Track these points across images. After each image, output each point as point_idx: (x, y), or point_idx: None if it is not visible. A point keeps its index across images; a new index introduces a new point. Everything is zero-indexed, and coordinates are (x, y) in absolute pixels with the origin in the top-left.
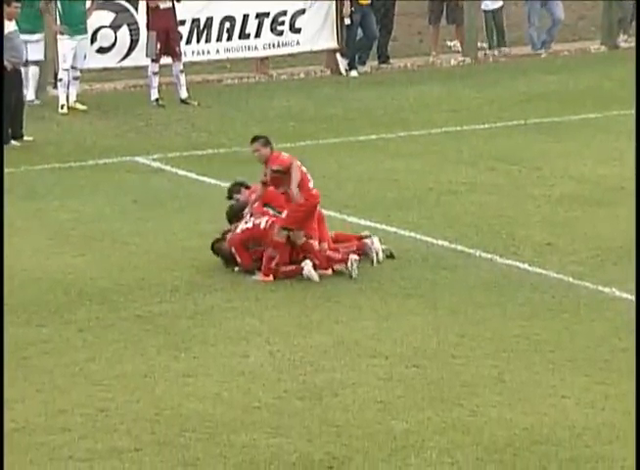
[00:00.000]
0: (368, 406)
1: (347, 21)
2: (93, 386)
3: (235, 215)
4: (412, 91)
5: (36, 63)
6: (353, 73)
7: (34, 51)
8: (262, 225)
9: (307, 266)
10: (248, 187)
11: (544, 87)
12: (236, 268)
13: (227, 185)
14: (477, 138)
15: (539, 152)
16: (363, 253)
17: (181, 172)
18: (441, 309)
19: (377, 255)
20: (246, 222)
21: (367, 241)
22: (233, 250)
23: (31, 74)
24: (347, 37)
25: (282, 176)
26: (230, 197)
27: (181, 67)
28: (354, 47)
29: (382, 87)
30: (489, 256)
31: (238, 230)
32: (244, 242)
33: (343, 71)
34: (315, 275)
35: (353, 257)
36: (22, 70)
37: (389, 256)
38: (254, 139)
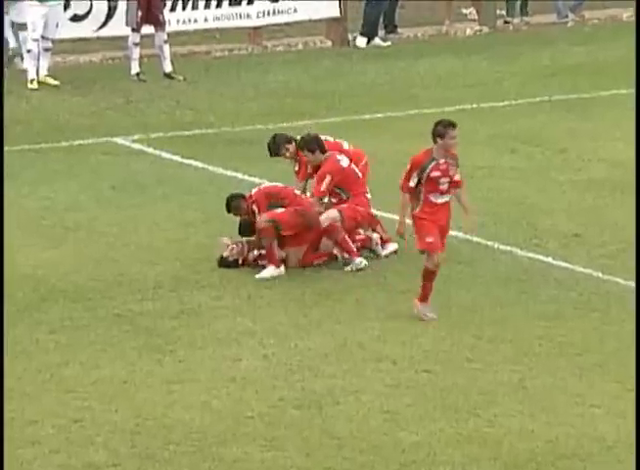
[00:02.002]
0: (373, 416)
1: None
2: (66, 393)
3: (247, 229)
4: (423, 64)
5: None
6: (360, 42)
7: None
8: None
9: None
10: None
11: (571, 60)
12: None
13: (215, 169)
14: (495, 117)
15: (565, 132)
16: (367, 247)
17: (165, 155)
18: (455, 308)
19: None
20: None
21: (374, 236)
22: (254, 206)
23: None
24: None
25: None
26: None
27: (165, 37)
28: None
29: (389, 60)
30: (509, 248)
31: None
32: (267, 195)
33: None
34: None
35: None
36: None
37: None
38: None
